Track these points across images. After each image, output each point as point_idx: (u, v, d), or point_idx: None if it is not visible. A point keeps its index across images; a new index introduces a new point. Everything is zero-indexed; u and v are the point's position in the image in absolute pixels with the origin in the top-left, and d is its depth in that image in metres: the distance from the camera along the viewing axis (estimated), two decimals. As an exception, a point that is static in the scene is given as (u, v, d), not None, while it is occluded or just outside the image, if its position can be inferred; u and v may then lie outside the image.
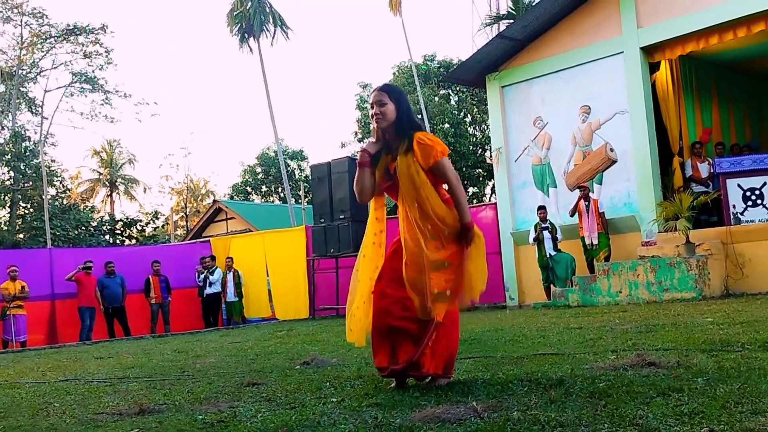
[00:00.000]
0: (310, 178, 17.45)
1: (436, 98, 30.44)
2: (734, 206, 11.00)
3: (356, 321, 4.07)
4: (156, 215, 34.14)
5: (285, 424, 3.08)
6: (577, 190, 12.34)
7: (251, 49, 30.82)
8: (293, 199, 30.92)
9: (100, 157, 43.54)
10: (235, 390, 4.34)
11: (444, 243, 3.84)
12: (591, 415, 2.80)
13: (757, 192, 10.93)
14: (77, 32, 32.06)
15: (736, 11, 11.06)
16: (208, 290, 15.47)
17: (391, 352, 3.83)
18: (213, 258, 15.95)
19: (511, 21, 20.48)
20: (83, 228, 28.89)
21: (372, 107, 3.94)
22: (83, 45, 32.66)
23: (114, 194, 43.98)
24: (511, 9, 24.77)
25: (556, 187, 13.24)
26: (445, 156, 3.86)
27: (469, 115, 31.16)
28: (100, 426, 3.45)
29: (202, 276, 15.55)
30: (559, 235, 12.37)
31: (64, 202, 30.35)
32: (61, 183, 30.78)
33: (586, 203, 11.99)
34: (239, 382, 4.67)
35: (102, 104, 34.14)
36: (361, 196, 4.09)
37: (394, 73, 33.76)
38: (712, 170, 11.98)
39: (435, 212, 3.83)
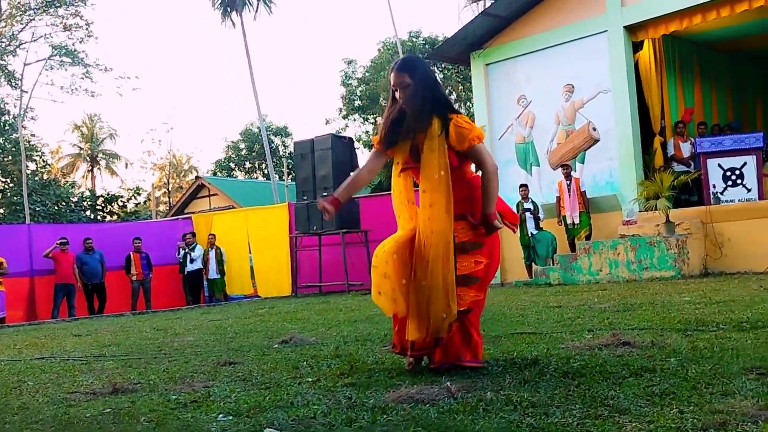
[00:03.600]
0: (293, 154, 17.39)
1: (421, 75, 30.26)
2: (714, 186, 11.06)
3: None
4: (138, 191, 33.92)
5: (258, 405, 3.06)
6: (560, 169, 12.38)
7: (233, 23, 30.56)
8: (277, 176, 30.81)
9: (81, 131, 43.18)
10: (211, 369, 4.32)
11: (473, 222, 3.64)
12: (563, 395, 2.81)
13: (737, 172, 10.98)
14: (57, 4, 31.52)
15: (720, -9, 11.05)
16: (190, 267, 15.42)
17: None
18: (193, 234, 15.87)
19: (496, -2, 20.36)
20: (64, 203, 28.67)
21: (395, 89, 3.64)
22: (63, 17, 32.11)
23: (95, 169, 43.69)
24: (497, -14, 24.61)
25: (539, 165, 13.25)
26: (481, 142, 3.63)
27: (453, 93, 31.08)
28: (73, 405, 3.43)
29: (183, 252, 15.49)
30: (541, 214, 12.41)
31: (44, 177, 30.08)
32: (41, 158, 30.50)
33: (568, 182, 12.03)
34: (216, 361, 4.65)
35: (82, 78, 33.59)
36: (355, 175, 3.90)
37: (379, 50, 33.58)
38: (693, 150, 12.02)
39: (463, 194, 3.63)
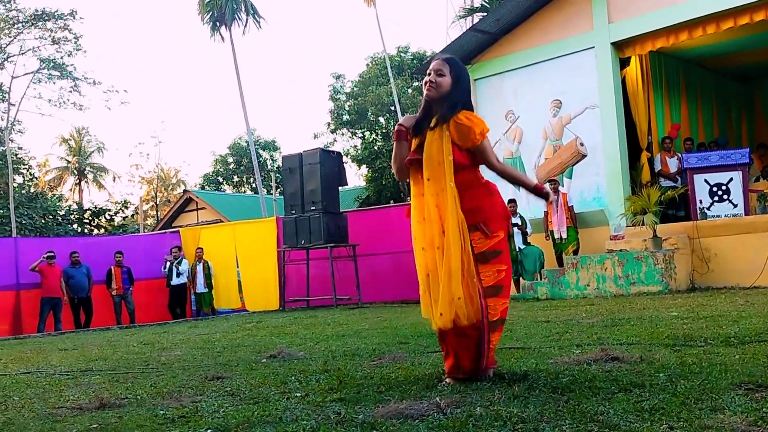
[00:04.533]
0: (281, 168, 17.39)
1: (410, 90, 30.43)
2: (701, 201, 11.13)
3: (432, 303, 3.61)
4: (125, 204, 33.77)
5: (246, 420, 3.04)
6: (548, 184, 12.42)
7: (223, 38, 30.62)
8: (265, 190, 30.77)
9: (69, 145, 42.99)
10: (199, 384, 4.29)
11: (488, 231, 3.60)
12: (553, 410, 2.81)
13: (724, 187, 11.05)
14: (46, 17, 31.45)
15: (705, 8, 11.17)
16: (175, 281, 15.32)
17: (453, 356, 3.62)
18: (179, 248, 15.74)
19: (485, 14, 20.51)
20: (51, 217, 28.49)
21: (429, 74, 3.66)
22: (52, 31, 32.04)
23: (82, 183, 43.47)
24: (485, 2, 24.79)
25: (526, 180, 13.27)
26: (485, 138, 3.65)
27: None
28: (59, 421, 3.39)
29: (169, 265, 15.36)
30: (528, 229, 12.43)
31: (32, 190, 29.91)
32: (28, 171, 30.33)
33: (556, 197, 12.07)
34: (204, 375, 4.62)
35: (70, 91, 33.54)
36: (398, 174, 3.78)
37: (367, 64, 33.71)
38: (680, 165, 12.10)
39: (475, 203, 3.62)
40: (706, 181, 11.15)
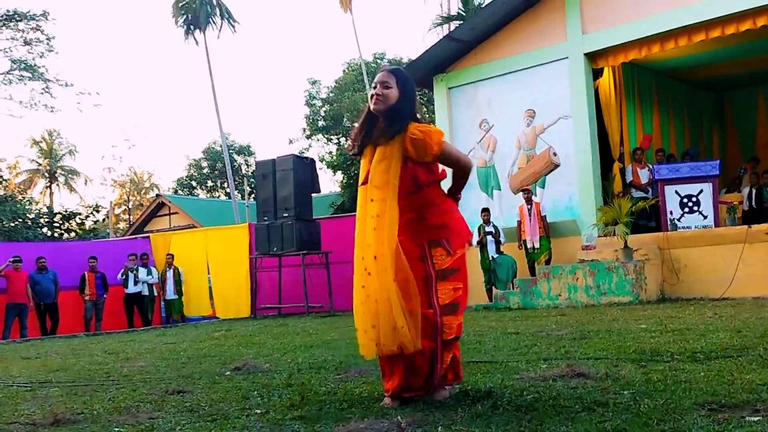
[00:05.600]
0: (255, 174, 17.25)
1: (385, 97, 30.38)
2: (671, 212, 11.19)
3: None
4: (97, 208, 33.33)
5: (202, 439, 2.96)
6: (521, 194, 12.43)
7: (197, 41, 30.44)
8: (239, 195, 30.58)
9: (40, 147, 42.46)
10: (158, 398, 4.19)
11: (450, 249, 3.53)
12: (515, 431, 2.76)
13: (694, 199, 11.13)
14: (17, 18, 31.00)
15: (678, 21, 11.26)
16: (132, 289, 15.01)
17: (403, 373, 3.47)
18: (136, 256, 15.31)
19: (461, 22, 20.57)
20: (20, 220, 28.01)
21: (374, 86, 3.56)
22: (23, 31, 31.57)
23: (53, 186, 42.91)
24: (461, 10, 24.89)
25: (500, 189, 13.30)
26: (443, 145, 3.49)
27: (417, 114, 31.21)
28: (10, 438, 3.29)
29: (125, 273, 15.05)
30: (502, 238, 12.42)
31: (1, 192, 29.40)
32: (-3, 173, 29.84)
33: (529, 207, 12.08)
34: (165, 389, 4.52)
35: (42, 93, 33.08)
36: None
37: (343, 70, 33.67)
38: (651, 176, 12.18)
39: (438, 221, 3.56)
40: (676, 192, 11.23)
